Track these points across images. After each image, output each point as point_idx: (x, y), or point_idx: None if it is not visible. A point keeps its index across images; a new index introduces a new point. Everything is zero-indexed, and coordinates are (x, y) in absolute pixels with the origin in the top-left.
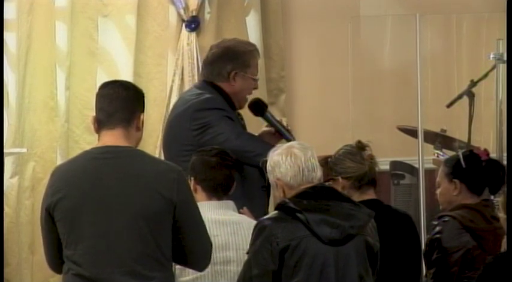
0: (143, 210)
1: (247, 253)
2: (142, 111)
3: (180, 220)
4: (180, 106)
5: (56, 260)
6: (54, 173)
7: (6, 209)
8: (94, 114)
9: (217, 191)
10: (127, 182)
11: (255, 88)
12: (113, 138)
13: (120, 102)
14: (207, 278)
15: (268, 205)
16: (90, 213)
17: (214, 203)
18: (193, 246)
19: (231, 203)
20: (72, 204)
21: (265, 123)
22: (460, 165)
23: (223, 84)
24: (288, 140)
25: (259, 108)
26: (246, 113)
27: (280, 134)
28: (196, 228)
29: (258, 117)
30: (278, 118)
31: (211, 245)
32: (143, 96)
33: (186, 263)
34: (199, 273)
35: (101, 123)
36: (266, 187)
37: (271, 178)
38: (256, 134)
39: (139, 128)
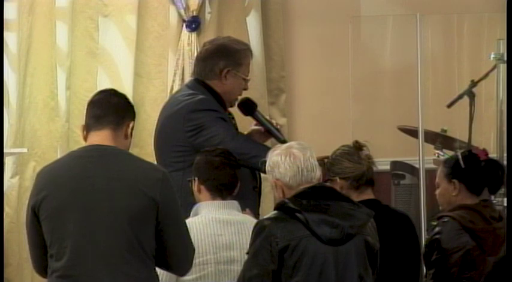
0: (126, 209)
1: (247, 253)
2: (133, 120)
3: (163, 221)
4: (172, 106)
5: (42, 263)
6: (39, 173)
7: (6, 209)
8: (83, 123)
9: (221, 191)
10: (111, 180)
11: (245, 89)
12: (99, 138)
13: (110, 107)
14: (211, 278)
15: (259, 206)
16: (74, 211)
17: (218, 202)
18: (175, 249)
19: (235, 202)
20: (57, 202)
21: (254, 122)
22: (459, 166)
23: (214, 83)
24: (278, 139)
25: (248, 107)
26: (235, 112)
27: (270, 132)
28: (179, 232)
29: (247, 116)
30: (267, 117)
31: (194, 251)
32: (133, 108)
33: (167, 266)
34: (202, 272)
35: (89, 127)
36: (257, 188)
37: (270, 178)
38: (245, 133)
39: (127, 136)
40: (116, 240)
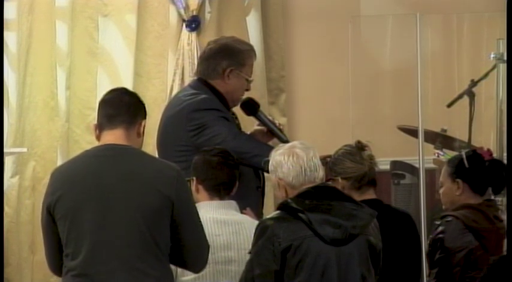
0: (142, 207)
1: (250, 253)
2: (144, 118)
3: (178, 219)
4: (175, 106)
5: (57, 262)
6: (54, 172)
7: (6, 208)
8: (95, 122)
9: (219, 191)
10: (126, 179)
11: (247, 90)
12: (113, 137)
13: (122, 106)
14: (209, 278)
15: (262, 205)
16: (90, 210)
17: (216, 202)
18: (190, 246)
19: (233, 202)
20: (73, 202)
21: (257, 122)
22: (463, 165)
23: (217, 82)
24: (280, 139)
25: (251, 107)
26: (238, 112)
27: (272, 133)
28: (194, 229)
29: (250, 116)
30: (270, 117)
31: (209, 248)
32: (145, 106)
33: (182, 263)
34: (200, 273)
35: (102, 126)
36: (261, 187)
37: (273, 178)
38: (248, 133)
39: (140, 135)
40: (131, 239)
